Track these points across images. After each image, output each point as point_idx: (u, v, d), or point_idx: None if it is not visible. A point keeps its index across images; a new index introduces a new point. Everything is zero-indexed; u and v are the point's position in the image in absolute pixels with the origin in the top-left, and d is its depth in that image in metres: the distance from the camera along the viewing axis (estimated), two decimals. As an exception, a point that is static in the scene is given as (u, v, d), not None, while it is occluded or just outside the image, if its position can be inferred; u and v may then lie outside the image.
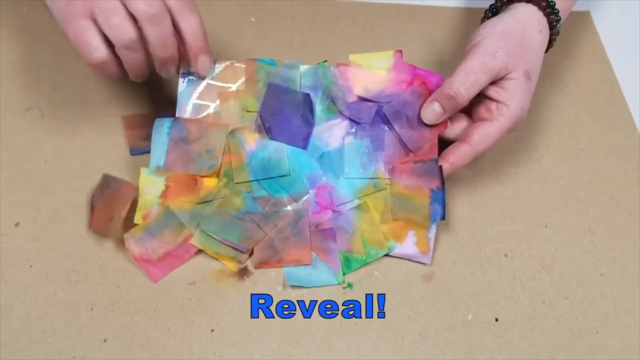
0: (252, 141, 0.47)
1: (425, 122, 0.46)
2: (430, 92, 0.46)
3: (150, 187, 0.45)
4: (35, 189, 0.47)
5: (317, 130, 0.48)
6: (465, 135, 0.45)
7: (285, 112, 0.47)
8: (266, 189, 0.46)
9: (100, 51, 0.40)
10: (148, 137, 0.47)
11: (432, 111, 0.45)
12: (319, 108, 0.48)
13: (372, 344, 0.41)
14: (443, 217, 0.45)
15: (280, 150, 0.47)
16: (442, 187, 0.45)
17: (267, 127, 0.47)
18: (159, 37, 0.41)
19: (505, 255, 0.46)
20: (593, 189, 0.50)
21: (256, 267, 0.44)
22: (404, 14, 0.61)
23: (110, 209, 0.45)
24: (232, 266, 0.44)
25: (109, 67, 0.42)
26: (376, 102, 0.47)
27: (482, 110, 0.46)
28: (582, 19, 0.62)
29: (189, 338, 0.41)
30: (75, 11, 0.40)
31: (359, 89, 0.48)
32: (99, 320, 0.42)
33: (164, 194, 0.45)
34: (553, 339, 0.42)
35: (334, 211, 0.46)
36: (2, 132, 0.50)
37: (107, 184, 0.45)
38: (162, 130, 0.46)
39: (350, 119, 0.48)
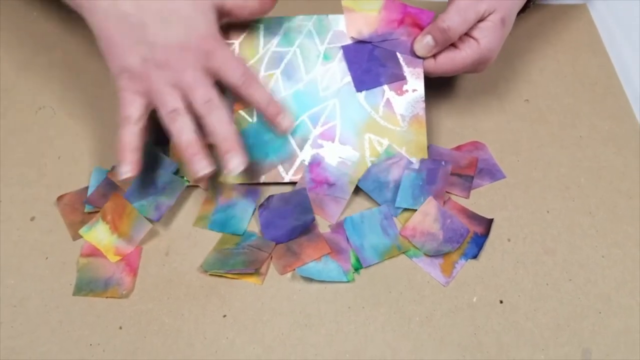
0: None
1: (418, 54, 0.49)
2: (422, 28, 0.49)
3: None
4: (49, 185, 0.49)
5: (315, 74, 0.50)
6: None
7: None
8: (273, 131, 0.49)
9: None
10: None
11: (425, 44, 0.48)
12: (314, 54, 0.51)
13: (379, 326, 0.42)
14: (475, 257, 0.46)
15: (284, 97, 0.50)
16: (486, 235, 0.47)
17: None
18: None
19: (509, 240, 0.47)
20: (593, 175, 0.51)
21: (282, 273, 0.45)
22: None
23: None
24: (257, 281, 0.44)
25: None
26: (370, 42, 0.50)
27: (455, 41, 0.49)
28: (579, 11, 0.63)
29: (202, 324, 0.42)
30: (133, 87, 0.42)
31: (352, 32, 0.50)
32: (114, 308, 0.43)
33: None
34: (557, 319, 0.43)
35: (329, 184, 0.48)
36: (16, 131, 0.51)
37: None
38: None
39: (347, 61, 0.50)
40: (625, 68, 0.58)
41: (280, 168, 0.48)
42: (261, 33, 0.51)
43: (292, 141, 0.49)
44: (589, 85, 0.57)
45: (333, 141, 0.49)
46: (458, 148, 0.52)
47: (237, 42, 0.51)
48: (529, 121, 0.54)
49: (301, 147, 0.49)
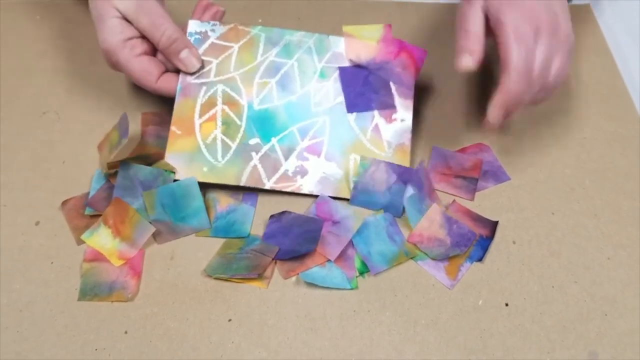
0: (249, 93, 0.50)
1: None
2: (415, 64, 0.51)
3: None
4: (53, 189, 0.49)
5: (310, 89, 0.51)
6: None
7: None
8: (260, 137, 0.49)
9: None
10: (159, 135, 0.50)
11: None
12: (311, 70, 0.51)
13: (385, 330, 0.42)
14: (480, 260, 0.46)
15: (276, 106, 0.50)
16: (492, 237, 0.47)
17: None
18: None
19: (514, 243, 0.47)
20: (598, 177, 0.51)
21: (285, 278, 0.45)
22: (409, 11, 0.62)
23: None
24: (262, 284, 0.44)
25: None
26: (366, 68, 0.51)
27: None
28: (583, 12, 0.63)
29: (207, 328, 0.42)
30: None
31: (351, 55, 0.51)
32: (119, 312, 0.43)
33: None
34: (563, 322, 0.43)
35: (334, 222, 0.47)
36: (20, 136, 0.52)
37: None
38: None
39: (342, 82, 0.51)
40: (629, 69, 0.58)
41: (263, 174, 0.48)
42: (262, 41, 0.51)
43: (278, 149, 0.49)
44: (593, 86, 0.57)
45: (319, 156, 0.49)
46: (462, 150, 0.52)
47: (236, 45, 0.51)
48: (533, 123, 0.54)
49: (286, 157, 0.49)
